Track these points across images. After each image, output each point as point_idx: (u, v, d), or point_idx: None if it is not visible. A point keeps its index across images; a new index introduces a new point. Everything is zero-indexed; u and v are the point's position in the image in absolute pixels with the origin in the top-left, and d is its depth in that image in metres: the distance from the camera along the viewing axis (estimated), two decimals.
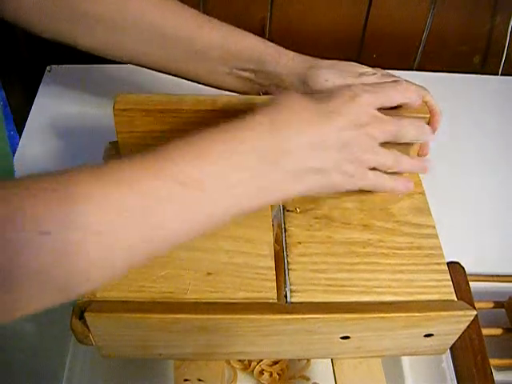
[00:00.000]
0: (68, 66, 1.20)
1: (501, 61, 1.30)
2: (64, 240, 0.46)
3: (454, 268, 0.86)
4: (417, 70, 1.34)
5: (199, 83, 0.84)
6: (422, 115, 0.75)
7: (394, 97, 0.66)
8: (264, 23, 1.26)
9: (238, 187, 0.55)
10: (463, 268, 0.87)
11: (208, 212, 0.55)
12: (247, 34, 0.80)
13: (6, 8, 0.79)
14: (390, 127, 0.64)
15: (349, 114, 0.61)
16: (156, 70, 0.83)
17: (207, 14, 0.82)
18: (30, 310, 0.49)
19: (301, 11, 1.24)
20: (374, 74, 0.76)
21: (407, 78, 0.78)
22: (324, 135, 0.60)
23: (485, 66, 1.35)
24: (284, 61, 0.78)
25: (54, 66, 1.20)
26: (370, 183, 0.66)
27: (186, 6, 0.81)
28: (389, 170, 0.67)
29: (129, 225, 0.49)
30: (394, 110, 0.75)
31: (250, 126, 0.57)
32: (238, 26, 0.81)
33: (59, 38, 0.82)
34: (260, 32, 1.26)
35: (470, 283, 0.85)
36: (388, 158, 0.66)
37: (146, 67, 0.84)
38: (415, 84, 0.77)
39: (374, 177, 0.66)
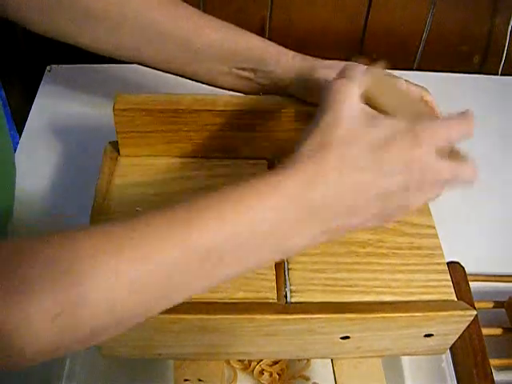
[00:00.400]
0: (68, 65, 1.20)
1: (501, 61, 1.29)
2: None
3: (454, 268, 0.86)
4: (417, 69, 1.34)
5: (199, 82, 0.84)
6: None
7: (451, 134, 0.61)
8: (264, 23, 1.26)
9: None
10: (463, 268, 0.87)
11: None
12: (247, 33, 0.80)
13: (7, 6, 0.79)
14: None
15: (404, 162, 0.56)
16: (156, 69, 0.83)
17: (207, 14, 0.82)
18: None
19: (301, 11, 1.24)
20: None
21: (407, 78, 0.78)
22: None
23: (485, 66, 1.35)
24: (284, 60, 0.78)
25: (53, 66, 1.20)
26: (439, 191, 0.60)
27: (186, 4, 0.81)
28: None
29: (141, 299, 0.49)
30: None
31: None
32: (238, 26, 0.81)
33: (59, 36, 0.82)
34: (260, 31, 1.26)
35: (470, 283, 0.85)
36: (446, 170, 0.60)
37: (145, 65, 0.84)
38: (415, 84, 0.77)
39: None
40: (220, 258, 0.51)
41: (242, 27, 0.81)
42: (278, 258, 0.58)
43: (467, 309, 0.64)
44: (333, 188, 0.53)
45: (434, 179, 0.57)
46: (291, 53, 0.79)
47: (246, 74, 0.80)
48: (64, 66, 1.20)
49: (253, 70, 0.79)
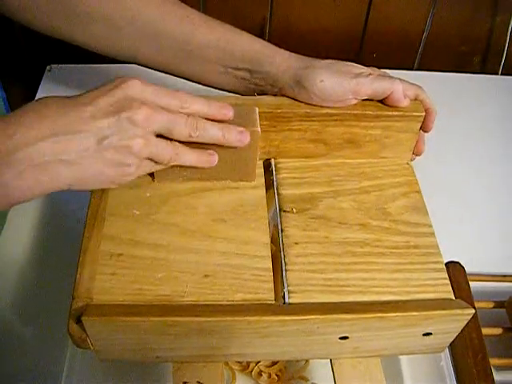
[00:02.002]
0: (68, 65, 1.20)
1: (501, 61, 1.30)
2: None
3: (454, 268, 0.86)
4: (417, 69, 1.34)
5: (195, 82, 0.84)
6: (417, 113, 0.76)
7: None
8: (264, 23, 1.26)
9: None
10: (463, 268, 0.87)
11: None
12: (243, 33, 0.80)
13: (4, 3, 0.79)
14: (159, 117, 0.63)
15: (100, 102, 0.61)
16: (153, 69, 0.83)
17: (207, 14, 0.82)
18: None
19: (301, 11, 1.24)
20: (371, 74, 0.76)
21: (407, 78, 0.78)
22: (66, 126, 0.60)
23: (485, 66, 1.35)
24: (279, 61, 0.78)
25: (53, 66, 1.20)
26: (147, 169, 0.66)
27: (183, 4, 0.81)
28: (169, 164, 0.67)
29: None
30: (390, 106, 0.76)
31: None
32: (238, 26, 0.81)
33: (57, 34, 0.82)
34: (260, 32, 1.26)
35: (470, 283, 0.85)
36: (164, 148, 0.65)
37: (142, 65, 0.84)
38: (410, 83, 0.77)
39: (151, 164, 0.66)
40: None
41: (242, 27, 0.81)
42: None
43: (465, 307, 0.63)
44: None
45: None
46: (287, 53, 0.79)
47: (241, 74, 0.80)
48: (64, 65, 1.21)
49: (248, 71, 0.79)
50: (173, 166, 0.69)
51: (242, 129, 0.68)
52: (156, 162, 0.65)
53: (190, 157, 0.67)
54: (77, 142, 0.60)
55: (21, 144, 0.58)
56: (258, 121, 0.70)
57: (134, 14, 0.78)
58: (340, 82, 0.74)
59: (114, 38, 0.80)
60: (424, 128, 0.77)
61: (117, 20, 0.79)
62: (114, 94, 0.62)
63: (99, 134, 0.60)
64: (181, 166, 0.70)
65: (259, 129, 0.69)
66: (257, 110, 0.71)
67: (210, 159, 0.69)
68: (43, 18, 0.80)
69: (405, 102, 0.76)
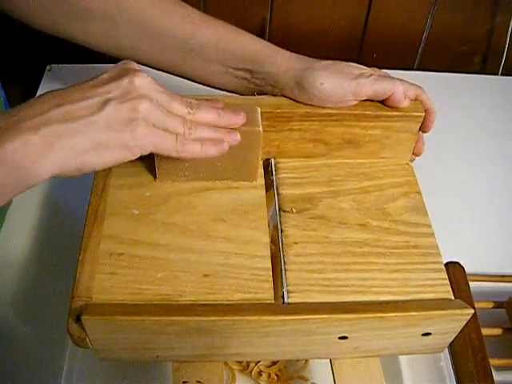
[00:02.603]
0: (68, 65, 1.20)
1: (501, 61, 1.30)
2: None
3: (454, 268, 0.86)
4: (417, 69, 1.34)
5: (195, 82, 0.84)
6: (417, 114, 0.76)
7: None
8: (264, 23, 1.26)
9: None
10: (463, 268, 0.87)
11: None
12: (244, 33, 0.80)
13: (8, 3, 0.79)
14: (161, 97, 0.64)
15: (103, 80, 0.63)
16: (152, 67, 0.83)
17: (207, 14, 0.82)
18: None
19: (301, 11, 1.24)
20: (372, 74, 0.76)
21: (407, 78, 0.78)
22: (70, 97, 0.60)
23: (485, 66, 1.35)
24: (280, 61, 0.78)
25: (53, 66, 1.20)
26: (158, 139, 0.63)
27: (184, 3, 0.81)
28: (185, 135, 0.65)
29: None
30: (390, 107, 0.76)
31: None
32: (238, 26, 0.81)
33: (57, 32, 0.82)
34: (260, 32, 1.26)
35: (470, 283, 0.85)
36: (175, 118, 0.64)
37: (142, 64, 0.83)
38: (410, 83, 0.77)
39: (161, 133, 0.63)
40: None
41: (242, 28, 0.81)
42: None
43: (465, 307, 0.63)
44: None
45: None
46: (287, 53, 0.79)
47: (242, 74, 0.80)
48: (64, 65, 1.20)
49: (249, 71, 0.79)
50: (176, 164, 0.70)
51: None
52: (165, 130, 0.63)
53: (205, 134, 0.66)
54: (82, 107, 0.59)
55: (28, 116, 0.58)
56: (260, 121, 0.70)
57: (134, 12, 0.78)
58: (340, 83, 0.74)
59: (114, 36, 0.80)
60: (423, 128, 0.77)
61: (117, 18, 0.79)
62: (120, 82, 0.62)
63: (103, 97, 0.60)
64: (183, 165, 0.71)
65: (261, 128, 0.69)
66: (259, 109, 0.71)
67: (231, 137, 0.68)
68: (44, 16, 0.80)
69: (405, 103, 0.76)
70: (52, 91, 0.61)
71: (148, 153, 0.63)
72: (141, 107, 0.61)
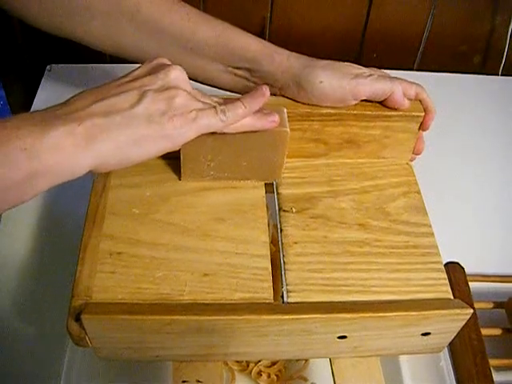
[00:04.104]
0: (68, 65, 1.21)
1: (501, 61, 1.30)
2: None
3: (454, 268, 0.86)
4: (417, 70, 1.34)
5: (195, 81, 0.83)
6: (416, 113, 0.76)
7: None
8: (264, 23, 1.26)
9: None
10: (463, 268, 0.87)
11: None
12: (243, 32, 0.80)
13: (9, 2, 0.79)
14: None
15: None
16: None
17: (207, 13, 0.82)
18: None
19: (301, 11, 1.24)
20: (371, 74, 0.76)
21: (407, 78, 0.78)
22: (107, 92, 0.62)
23: (485, 66, 1.35)
24: (278, 60, 0.78)
25: (53, 66, 1.20)
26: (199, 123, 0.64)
27: (183, 3, 0.81)
28: (225, 116, 0.65)
29: None
30: (389, 107, 0.76)
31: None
32: (238, 26, 0.81)
33: (57, 31, 0.82)
34: (260, 32, 1.26)
35: (470, 283, 0.85)
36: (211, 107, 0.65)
37: (141, 63, 0.84)
38: (411, 82, 0.77)
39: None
40: None
41: (242, 27, 0.81)
42: None
43: (464, 307, 0.63)
44: None
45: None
46: (286, 52, 0.79)
47: (241, 73, 0.80)
48: (64, 65, 1.21)
49: (248, 70, 0.79)
50: (201, 163, 0.71)
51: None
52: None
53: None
54: (122, 101, 0.61)
55: (70, 110, 0.59)
56: (287, 121, 0.70)
57: (134, 11, 0.79)
58: (339, 82, 0.74)
59: (114, 34, 0.81)
60: (422, 127, 0.77)
61: (117, 17, 0.79)
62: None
63: (141, 90, 0.62)
64: (208, 164, 0.71)
65: (288, 129, 0.69)
66: (285, 110, 0.72)
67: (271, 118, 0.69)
68: (44, 14, 0.80)
69: (405, 104, 0.76)
70: (88, 89, 0.62)
71: (190, 139, 0.64)
72: (178, 98, 0.62)
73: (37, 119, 0.57)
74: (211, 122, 0.64)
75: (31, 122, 0.56)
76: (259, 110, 0.68)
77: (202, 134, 0.64)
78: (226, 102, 0.67)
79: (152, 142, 0.61)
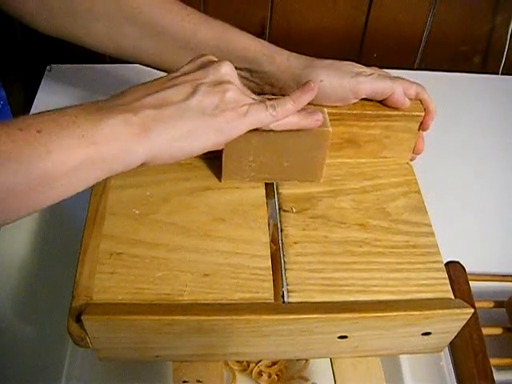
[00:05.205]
0: (68, 65, 1.21)
1: (501, 60, 1.30)
2: None
3: (455, 267, 0.86)
4: (417, 69, 1.34)
5: None
6: (417, 113, 0.76)
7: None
8: (264, 23, 1.26)
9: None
10: (463, 267, 0.87)
11: None
12: (243, 33, 0.80)
13: (8, 3, 0.79)
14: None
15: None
16: (153, 67, 0.83)
17: (207, 14, 0.82)
18: None
19: (301, 11, 1.24)
20: (372, 73, 0.76)
21: (407, 78, 0.78)
22: (159, 86, 0.62)
23: (485, 66, 1.35)
24: (279, 61, 0.78)
25: (54, 66, 1.20)
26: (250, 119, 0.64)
27: (184, 4, 0.81)
28: (275, 111, 0.65)
29: None
30: (389, 107, 0.76)
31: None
32: (238, 26, 0.81)
33: (59, 33, 0.82)
34: (260, 32, 1.26)
35: (471, 283, 0.85)
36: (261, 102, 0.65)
37: (143, 64, 0.84)
38: (411, 81, 0.77)
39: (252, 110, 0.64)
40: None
41: (242, 27, 0.81)
42: None
43: (464, 307, 0.63)
44: None
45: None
46: (286, 52, 0.79)
47: (242, 73, 0.80)
48: (64, 65, 1.21)
49: (248, 70, 0.79)
50: (242, 163, 0.71)
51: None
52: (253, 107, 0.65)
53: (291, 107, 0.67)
54: (175, 93, 0.61)
55: (123, 102, 0.60)
56: (328, 120, 0.70)
57: (135, 13, 0.79)
58: (340, 81, 0.74)
59: (115, 36, 0.81)
60: (422, 126, 0.77)
61: (118, 19, 0.79)
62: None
63: (194, 84, 0.62)
64: (250, 165, 0.72)
65: (331, 128, 0.69)
66: (326, 110, 0.72)
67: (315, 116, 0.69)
68: (45, 16, 0.80)
69: (405, 104, 0.76)
70: (138, 84, 0.63)
71: (241, 133, 0.64)
72: (230, 92, 0.63)
73: (93, 108, 0.58)
74: (261, 116, 0.64)
75: (88, 111, 0.57)
76: (303, 109, 0.68)
77: (247, 133, 0.64)
78: (272, 98, 0.67)
79: (204, 135, 0.61)
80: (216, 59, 0.67)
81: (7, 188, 0.51)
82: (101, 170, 0.57)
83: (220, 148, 0.65)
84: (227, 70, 0.65)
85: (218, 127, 0.61)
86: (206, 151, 0.63)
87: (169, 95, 0.61)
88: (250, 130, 0.64)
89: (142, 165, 0.60)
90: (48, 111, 0.56)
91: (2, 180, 0.51)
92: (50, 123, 0.54)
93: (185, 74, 0.64)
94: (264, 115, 0.64)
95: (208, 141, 0.62)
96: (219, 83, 0.63)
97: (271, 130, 0.67)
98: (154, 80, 0.64)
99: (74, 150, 0.54)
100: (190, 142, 0.61)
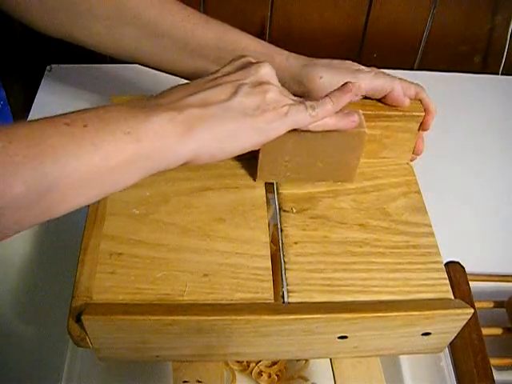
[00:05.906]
0: (68, 65, 1.21)
1: (501, 60, 1.30)
2: None
3: (454, 267, 0.86)
4: (417, 69, 1.34)
5: None
6: (417, 113, 0.76)
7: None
8: (264, 23, 1.26)
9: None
10: (463, 267, 0.87)
11: None
12: (243, 33, 0.80)
13: (6, 1, 0.79)
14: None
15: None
16: (154, 68, 0.83)
17: (207, 14, 0.82)
18: None
19: (301, 11, 1.24)
20: (370, 71, 0.76)
21: (407, 78, 0.78)
22: (200, 86, 0.63)
23: (485, 66, 1.35)
24: (278, 61, 0.78)
25: (54, 66, 1.20)
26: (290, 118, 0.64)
27: (184, 5, 0.81)
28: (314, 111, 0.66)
29: None
30: (388, 105, 0.76)
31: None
32: (238, 26, 0.81)
33: (58, 33, 0.82)
34: (260, 32, 1.26)
35: (471, 283, 0.85)
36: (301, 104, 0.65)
37: (143, 65, 0.84)
38: (410, 81, 0.77)
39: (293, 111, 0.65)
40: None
41: (242, 27, 0.81)
42: None
43: (464, 307, 0.63)
44: None
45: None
46: (286, 53, 0.79)
47: None
48: (64, 65, 1.21)
49: None
50: (278, 164, 0.72)
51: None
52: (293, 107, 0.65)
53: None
54: (217, 93, 0.62)
55: (166, 101, 0.60)
56: (364, 121, 0.70)
57: (134, 13, 0.79)
58: (339, 78, 0.74)
59: (115, 37, 0.81)
60: (422, 127, 0.77)
61: (117, 19, 0.79)
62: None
63: (235, 84, 0.63)
64: (285, 165, 0.72)
65: (367, 130, 0.70)
66: (361, 111, 0.72)
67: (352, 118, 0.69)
68: (45, 17, 0.80)
69: (405, 102, 0.76)
70: (176, 85, 0.64)
71: (281, 134, 0.64)
72: (270, 93, 0.63)
73: (138, 106, 0.58)
74: (301, 117, 0.64)
75: (132, 109, 0.57)
76: (340, 110, 0.68)
77: (285, 133, 0.64)
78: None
79: (245, 135, 0.61)
80: (255, 60, 0.67)
81: (53, 181, 0.51)
82: (143, 167, 0.57)
83: (257, 148, 0.65)
84: (267, 71, 0.66)
85: (259, 128, 0.62)
86: (245, 152, 0.63)
87: (211, 95, 0.61)
88: (288, 131, 0.64)
89: (184, 164, 0.60)
90: (91, 108, 0.56)
91: (48, 171, 0.50)
92: (95, 119, 0.54)
93: (225, 74, 0.65)
94: (304, 116, 0.64)
95: (248, 141, 0.62)
96: (259, 84, 0.64)
97: (308, 131, 0.67)
98: (196, 80, 0.65)
99: (119, 145, 0.54)
100: (231, 143, 0.61)
